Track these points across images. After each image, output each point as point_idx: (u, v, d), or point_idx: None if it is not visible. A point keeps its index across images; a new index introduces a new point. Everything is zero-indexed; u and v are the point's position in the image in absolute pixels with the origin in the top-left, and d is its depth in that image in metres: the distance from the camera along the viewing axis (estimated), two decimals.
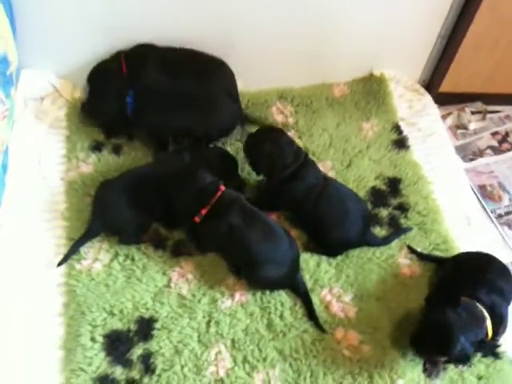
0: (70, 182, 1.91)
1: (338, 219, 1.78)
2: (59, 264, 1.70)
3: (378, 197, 2.01)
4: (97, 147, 2.00)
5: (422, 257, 1.87)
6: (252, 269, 1.67)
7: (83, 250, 1.75)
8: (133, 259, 1.75)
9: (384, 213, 1.96)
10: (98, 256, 1.74)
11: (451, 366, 1.65)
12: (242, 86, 2.14)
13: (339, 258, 1.83)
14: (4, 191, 1.79)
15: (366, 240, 1.84)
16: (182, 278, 1.72)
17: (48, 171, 1.92)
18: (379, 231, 1.91)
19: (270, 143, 1.80)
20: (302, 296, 1.71)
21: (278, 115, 2.22)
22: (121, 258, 1.74)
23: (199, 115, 1.97)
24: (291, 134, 2.14)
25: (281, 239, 1.67)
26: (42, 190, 1.87)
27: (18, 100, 1.97)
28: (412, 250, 1.88)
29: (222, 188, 1.70)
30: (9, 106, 1.76)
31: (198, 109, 1.97)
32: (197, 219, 1.67)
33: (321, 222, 1.79)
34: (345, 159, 2.12)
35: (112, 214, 1.75)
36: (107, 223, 1.76)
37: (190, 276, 1.73)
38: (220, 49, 2.07)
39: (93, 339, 1.59)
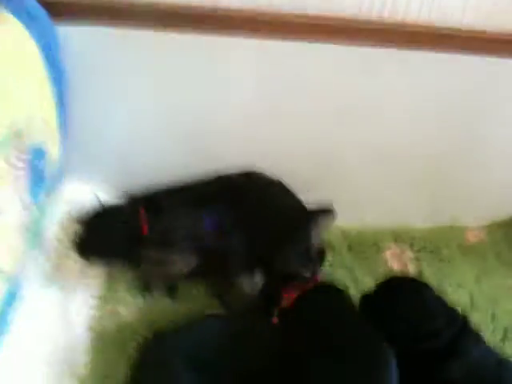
0: (100, 333, 1.32)
1: None
2: None
3: None
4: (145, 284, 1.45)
5: None
6: None
7: None
8: None
9: None
10: None
11: None
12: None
13: None
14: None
15: None
16: None
17: (73, 316, 1.36)
18: None
19: (409, 297, 1.21)
20: None
21: (395, 262, 1.63)
22: None
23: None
24: None
25: None
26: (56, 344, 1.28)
27: (55, 215, 1.50)
28: None
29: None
30: (34, 218, 1.27)
31: None
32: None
33: None
34: (497, 329, 1.45)
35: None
36: None
37: None
38: (313, 177, 1.61)
39: None
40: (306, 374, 1.09)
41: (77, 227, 1.50)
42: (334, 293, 1.29)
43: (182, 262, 1.37)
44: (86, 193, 1.60)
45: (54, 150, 1.36)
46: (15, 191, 1.17)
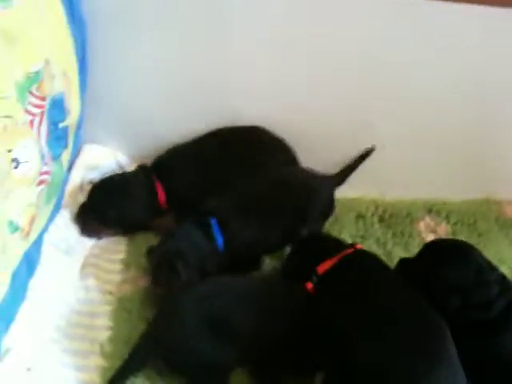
0: (121, 298, 1.25)
1: None
2: None
3: None
4: None
5: None
6: None
7: None
8: None
9: None
10: None
11: None
12: None
13: None
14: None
15: None
16: None
17: (92, 281, 1.28)
18: None
19: (459, 262, 1.11)
20: None
21: (429, 234, 1.54)
22: None
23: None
24: None
25: None
26: (74, 312, 1.21)
27: (74, 179, 1.42)
28: None
29: None
30: (54, 172, 1.19)
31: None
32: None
33: None
34: None
35: (182, 338, 1.06)
36: (170, 348, 1.06)
37: None
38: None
39: None
40: (348, 339, 1.01)
41: (91, 191, 1.42)
42: (373, 259, 1.19)
43: None
44: (103, 158, 1.53)
45: (73, 105, 1.28)
46: (35, 142, 1.09)
